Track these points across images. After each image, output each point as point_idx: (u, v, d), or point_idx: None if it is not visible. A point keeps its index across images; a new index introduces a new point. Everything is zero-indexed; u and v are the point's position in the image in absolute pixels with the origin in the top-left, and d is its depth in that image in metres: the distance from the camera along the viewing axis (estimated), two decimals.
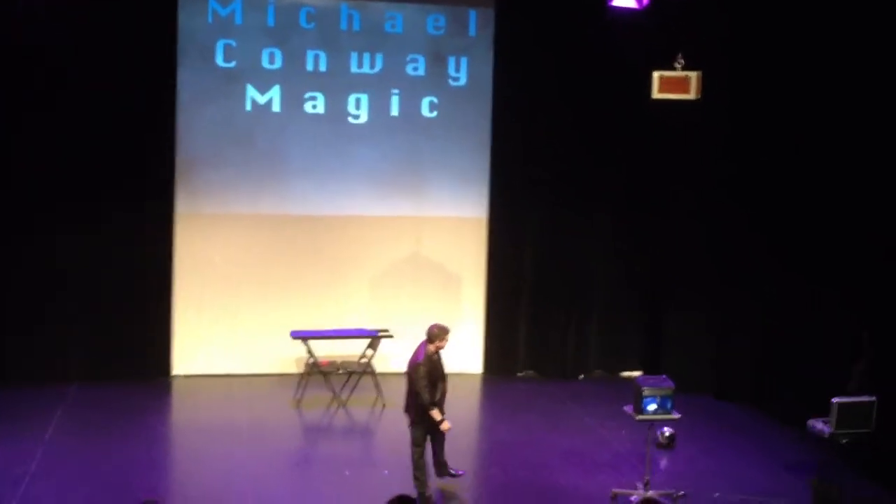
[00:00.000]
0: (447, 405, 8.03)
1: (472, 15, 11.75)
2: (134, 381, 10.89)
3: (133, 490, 7.92)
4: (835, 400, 8.06)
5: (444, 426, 7.83)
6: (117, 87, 10.71)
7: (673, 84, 9.75)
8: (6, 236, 10.61)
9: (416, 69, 11.71)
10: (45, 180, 10.65)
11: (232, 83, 11.33)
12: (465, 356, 11.92)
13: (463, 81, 11.82)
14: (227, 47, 11.28)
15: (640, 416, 7.93)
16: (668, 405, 7.92)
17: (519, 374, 12.05)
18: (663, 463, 9.10)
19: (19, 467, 8.26)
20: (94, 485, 8.05)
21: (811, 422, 8.43)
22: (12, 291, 10.67)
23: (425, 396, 7.74)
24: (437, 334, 7.87)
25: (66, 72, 10.59)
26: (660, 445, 9.29)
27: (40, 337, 10.74)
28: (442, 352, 8.00)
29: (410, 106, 11.72)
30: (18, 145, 10.57)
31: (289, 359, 11.38)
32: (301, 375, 10.68)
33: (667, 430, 9.29)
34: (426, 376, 7.75)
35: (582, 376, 12.05)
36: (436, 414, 7.78)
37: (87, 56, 10.62)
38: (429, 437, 7.96)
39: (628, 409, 8.10)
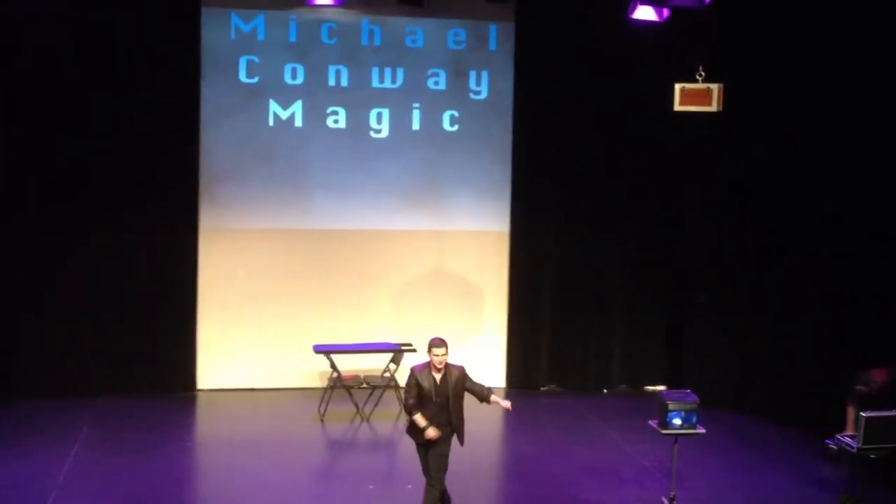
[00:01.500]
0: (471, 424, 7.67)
1: (493, 29, 11.79)
2: (159, 395, 10.97)
3: None
4: (863, 414, 8.00)
5: (429, 434, 7.31)
6: (142, 102, 10.82)
7: (694, 96, 9.76)
8: (31, 252, 10.71)
9: (437, 83, 11.76)
10: (70, 196, 10.77)
11: (255, 98, 11.42)
12: (487, 370, 11.91)
13: (484, 95, 11.85)
14: (249, 63, 11.38)
15: (666, 431, 7.89)
16: (693, 419, 7.88)
17: (542, 388, 12.02)
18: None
19: (47, 481, 8.34)
20: (119, 498, 8.10)
21: (839, 436, 8.36)
22: (37, 306, 10.78)
23: (408, 402, 7.39)
24: (429, 345, 7.43)
25: (91, 88, 10.70)
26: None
27: (66, 351, 10.83)
28: (460, 368, 7.44)
29: (432, 120, 11.76)
30: (42, 161, 10.67)
31: (312, 373, 11.42)
32: (324, 389, 10.71)
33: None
34: (415, 385, 7.38)
35: (605, 390, 12.01)
36: (419, 419, 7.33)
37: (112, 73, 10.73)
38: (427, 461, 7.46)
39: (653, 423, 8.07)
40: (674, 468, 8.06)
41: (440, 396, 7.36)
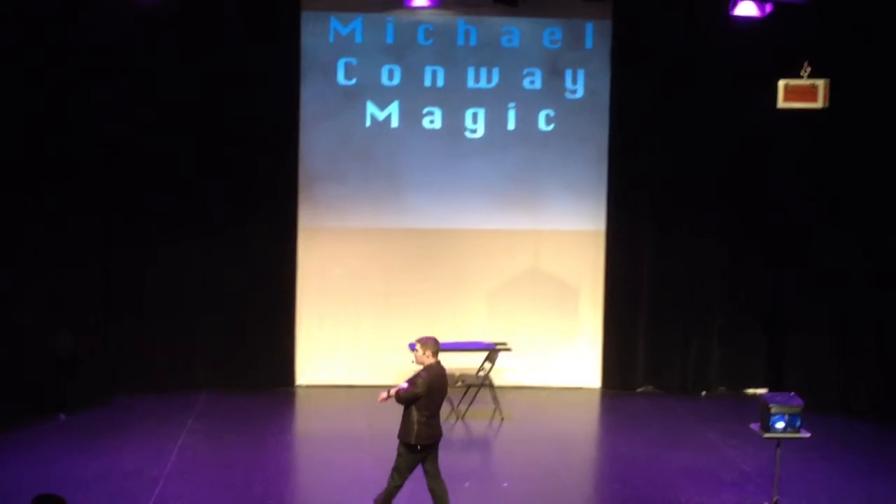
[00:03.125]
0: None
1: (589, 27, 11.71)
2: (259, 390, 11.23)
3: (259, 495, 8.21)
4: None
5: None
6: (245, 105, 11.11)
7: (799, 93, 9.48)
8: (137, 249, 11.07)
9: (532, 83, 11.74)
10: (174, 195, 11.10)
11: (352, 100, 11.60)
12: (582, 370, 11.85)
13: (580, 94, 11.78)
14: (347, 65, 11.57)
15: (768, 434, 7.72)
16: (798, 423, 7.69)
17: (638, 390, 11.87)
18: None
19: (155, 469, 8.65)
20: (222, 488, 8.34)
21: None
22: (144, 305, 11.15)
23: None
24: None
25: (197, 90, 11.02)
26: None
27: (171, 348, 11.19)
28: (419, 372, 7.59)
29: (527, 119, 11.75)
30: (147, 163, 11.01)
31: (408, 371, 11.48)
32: None
33: None
34: None
35: (704, 392, 11.79)
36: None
37: (218, 75, 11.04)
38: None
39: (755, 426, 7.90)
40: (776, 473, 7.87)
41: None
